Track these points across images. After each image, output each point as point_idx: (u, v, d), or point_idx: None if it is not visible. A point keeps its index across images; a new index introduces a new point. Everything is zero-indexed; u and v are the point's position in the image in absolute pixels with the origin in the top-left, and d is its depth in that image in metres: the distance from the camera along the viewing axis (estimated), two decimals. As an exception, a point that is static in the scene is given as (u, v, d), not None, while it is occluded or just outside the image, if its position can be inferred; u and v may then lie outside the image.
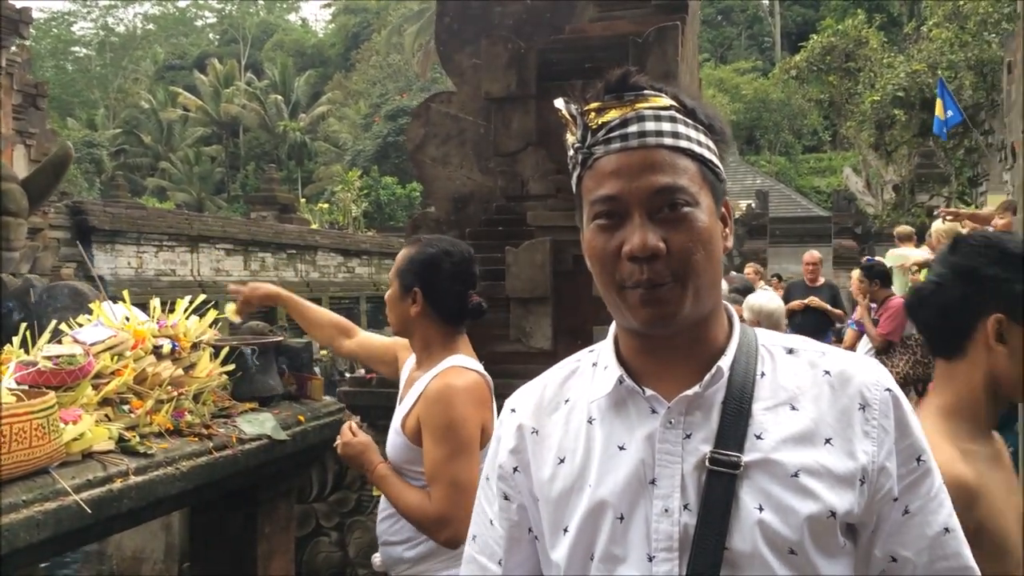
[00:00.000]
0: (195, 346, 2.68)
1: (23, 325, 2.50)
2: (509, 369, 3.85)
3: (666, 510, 1.03)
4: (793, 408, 1.06)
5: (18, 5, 11.51)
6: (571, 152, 1.12)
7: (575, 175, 1.12)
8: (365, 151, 35.45)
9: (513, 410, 1.22)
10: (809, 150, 37.51)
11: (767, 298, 5.28)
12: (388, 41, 42.16)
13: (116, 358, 2.39)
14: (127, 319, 2.68)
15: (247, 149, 42.02)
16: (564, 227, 3.59)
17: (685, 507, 1.02)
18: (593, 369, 1.17)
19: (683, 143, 1.05)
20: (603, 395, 1.12)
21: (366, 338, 2.86)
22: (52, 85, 45.73)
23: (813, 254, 8.30)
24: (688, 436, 1.05)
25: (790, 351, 1.11)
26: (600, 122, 1.06)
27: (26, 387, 2.13)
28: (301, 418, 2.94)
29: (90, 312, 2.74)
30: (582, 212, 1.12)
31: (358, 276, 19.92)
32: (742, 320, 1.18)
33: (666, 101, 1.06)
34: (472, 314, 2.39)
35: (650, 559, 1.03)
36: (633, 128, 1.04)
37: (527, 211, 3.77)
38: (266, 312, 15.88)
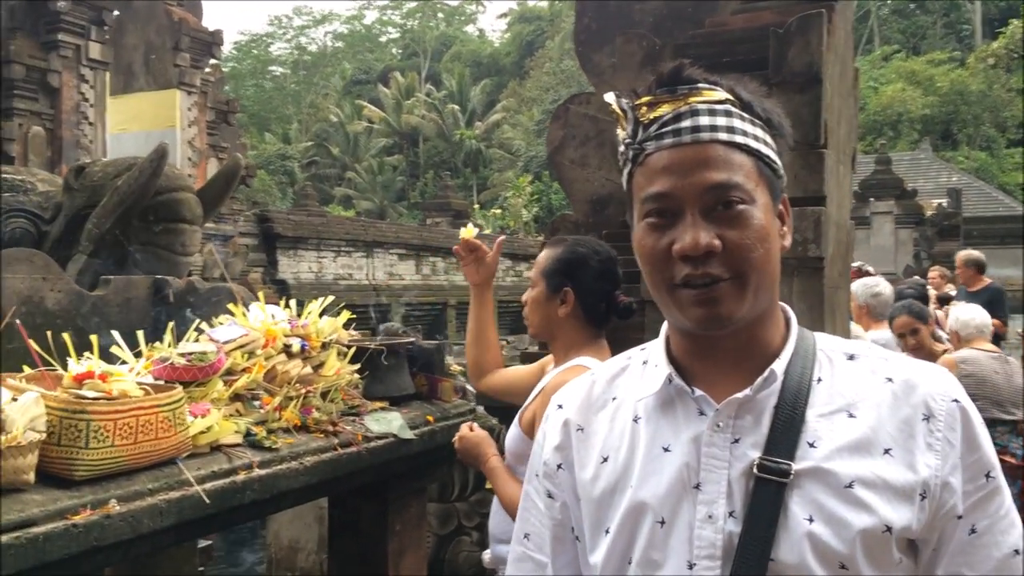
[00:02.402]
0: (325, 346, 2.77)
1: (170, 324, 2.68)
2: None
3: (710, 516, 0.99)
4: (851, 415, 1.01)
5: (211, 28, 12.46)
6: (621, 148, 1.09)
7: (626, 172, 1.10)
8: (537, 156, 35.86)
9: (560, 406, 1.19)
10: (1014, 144, 34.51)
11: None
12: (561, 47, 42.47)
13: (247, 356, 2.51)
14: (273, 317, 2.81)
15: (426, 158, 43.49)
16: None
17: (730, 514, 0.98)
18: (643, 368, 1.14)
19: (739, 138, 1.01)
20: (651, 394, 1.09)
21: (511, 372, 2.80)
22: (251, 102, 49.30)
23: (970, 253, 7.63)
24: (736, 441, 1.01)
25: (851, 357, 1.07)
26: (652, 117, 1.03)
27: (162, 381, 2.27)
28: (430, 418, 2.99)
29: (247, 311, 2.89)
30: (632, 210, 1.09)
31: (526, 280, 20.14)
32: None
33: (721, 95, 1.02)
34: (621, 314, 2.34)
35: (690, 566, 0.99)
36: (686, 123, 1.01)
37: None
38: (436, 314, 16.37)
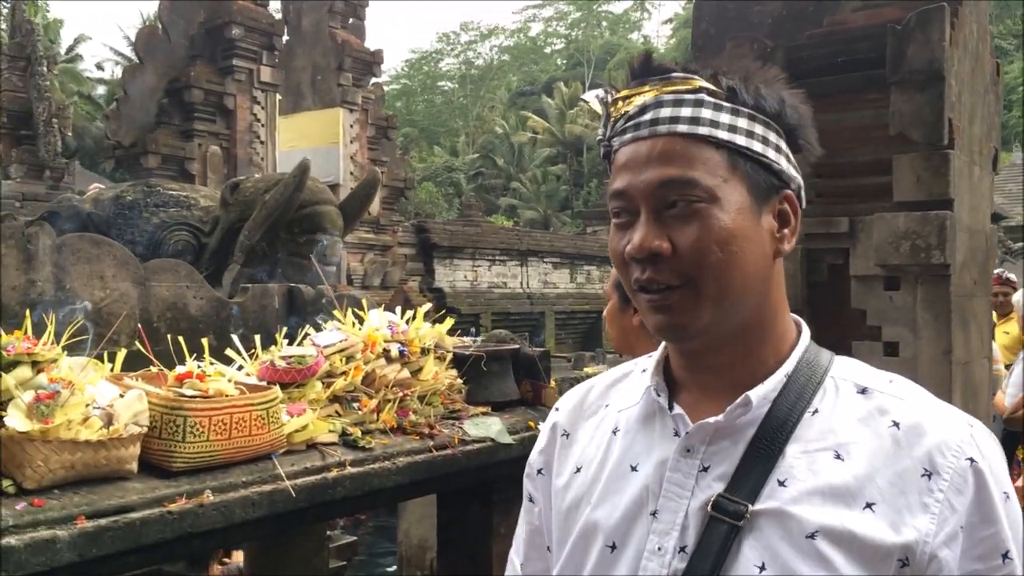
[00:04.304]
0: (424, 351, 2.87)
1: (284, 328, 2.86)
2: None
3: (659, 548, 0.91)
4: (838, 457, 0.88)
5: (374, 48, 13.06)
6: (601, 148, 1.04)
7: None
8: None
9: (557, 408, 1.14)
10: None
11: None
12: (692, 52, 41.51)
13: (346, 360, 2.64)
14: (390, 323, 2.94)
15: (589, 167, 43.56)
16: (817, 234, 3.33)
17: (681, 549, 0.90)
18: (641, 376, 1.06)
19: (703, 129, 0.91)
20: (631, 405, 1.02)
21: None
22: (422, 117, 51.07)
23: None
24: (705, 469, 0.92)
25: (863, 390, 0.93)
26: (623, 112, 0.96)
27: (264, 382, 2.43)
28: (532, 424, 3.03)
29: (358, 317, 3.04)
30: None
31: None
32: None
33: (696, 84, 0.93)
34: None
35: None
36: (647, 116, 0.93)
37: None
38: (591, 323, 16.38)
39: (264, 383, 2.42)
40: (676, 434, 0.95)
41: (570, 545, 1.00)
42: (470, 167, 44.74)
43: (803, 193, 0.99)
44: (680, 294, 0.91)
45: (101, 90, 35.13)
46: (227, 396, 2.19)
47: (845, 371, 0.96)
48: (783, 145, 0.95)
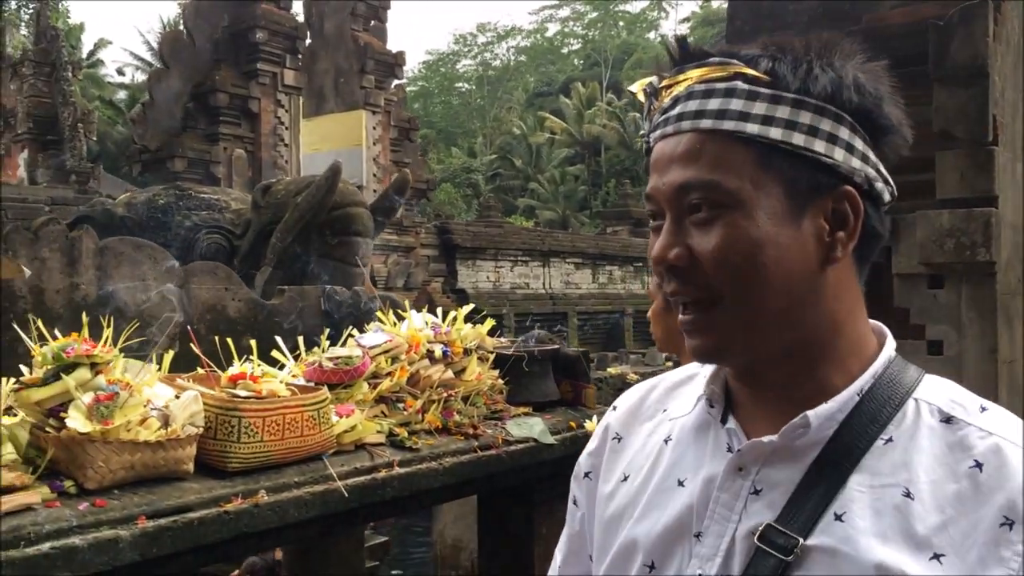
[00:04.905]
0: (467, 352, 2.87)
1: (327, 330, 2.87)
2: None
3: (700, 574, 0.83)
4: (907, 495, 0.77)
5: (395, 50, 13.12)
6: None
7: None
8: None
9: (614, 408, 1.05)
10: None
11: None
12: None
13: (391, 360, 2.65)
14: (427, 324, 2.95)
15: (608, 167, 43.53)
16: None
17: None
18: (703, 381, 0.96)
19: (727, 124, 0.81)
20: (686, 413, 0.94)
21: None
22: (439, 119, 51.19)
23: None
24: (757, 492, 0.82)
25: (947, 419, 0.81)
26: (660, 104, 0.87)
27: (312, 383, 2.44)
28: (573, 424, 3.03)
29: (400, 319, 3.06)
30: None
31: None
32: None
33: (730, 70, 0.83)
34: None
35: None
36: (676, 110, 0.84)
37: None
38: (614, 323, 16.38)
39: (312, 384, 2.43)
40: (730, 450, 0.86)
41: (609, 560, 0.93)
42: (488, 168, 44.81)
43: (881, 186, 0.85)
44: (708, 313, 0.83)
45: (122, 95, 35.45)
46: (280, 397, 2.20)
47: (932, 393, 0.84)
48: (844, 132, 0.82)
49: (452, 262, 13.15)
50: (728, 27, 3.93)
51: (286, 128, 12.01)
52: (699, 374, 0.98)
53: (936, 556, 0.74)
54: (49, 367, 1.97)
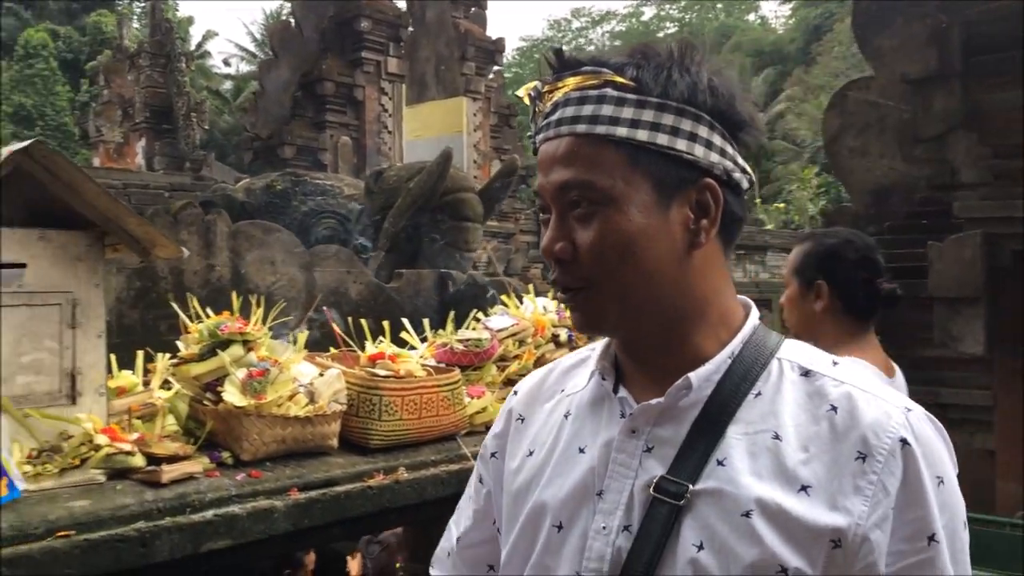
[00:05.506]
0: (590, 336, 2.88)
1: (451, 313, 2.92)
2: (935, 376, 3.53)
3: (604, 528, 0.92)
4: (776, 437, 0.88)
5: (494, 37, 13.16)
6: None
7: None
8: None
9: (515, 392, 1.14)
10: None
11: None
12: (852, 30, 40.00)
13: (518, 344, 2.68)
14: (544, 309, 2.98)
15: (704, 152, 42.79)
16: (1000, 218, 3.19)
17: (625, 528, 0.90)
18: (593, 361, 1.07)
19: (599, 128, 0.90)
20: (580, 389, 1.03)
21: None
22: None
23: None
24: (649, 450, 0.92)
25: (805, 372, 0.93)
26: (542, 108, 0.97)
27: (443, 365, 2.49)
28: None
29: (520, 302, 3.10)
30: None
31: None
32: None
33: (601, 78, 0.92)
34: (886, 302, 2.24)
35: None
36: (556, 115, 0.94)
37: (955, 202, 3.40)
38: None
39: (443, 365, 2.48)
40: (623, 416, 0.96)
41: (520, 525, 1.00)
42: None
43: (739, 175, 0.94)
44: (584, 295, 0.93)
45: (227, 85, 36.62)
46: (417, 377, 2.25)
47: (791, 353, 0.95)
48: (702, 131, 0.91)
49: (550, 248, 13.11)
50: (855, 6, 3.82)
51: (389, 115, 12.20)
52: (590, 357, 1.07)
53: (804, 488, 0.85)
54: (205, 343, 2.06)
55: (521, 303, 2.99)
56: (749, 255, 17.36)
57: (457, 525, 1.16)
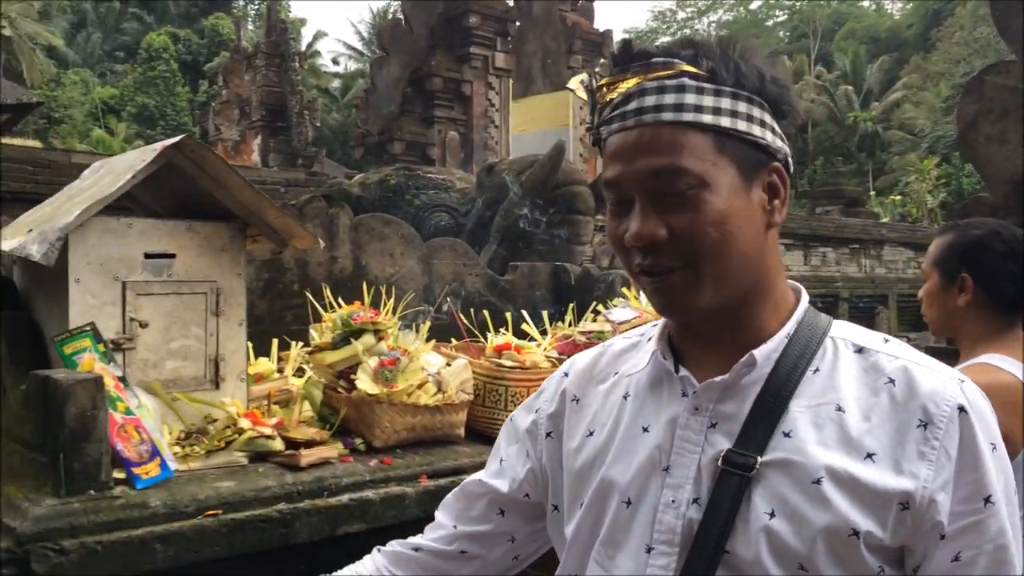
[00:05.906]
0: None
1: (570, 305, 2.92)
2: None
3: (673, 501, 0.96)
4: (839, 409, 0.94)
5: (600, 29, 13.08)
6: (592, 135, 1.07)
7: None
8: (945, 136, 32.58)
9: (566, 374, 1.18)
10: None
11: None
12: (974, 14, 38.07)
13: (640, 336, 2.66)
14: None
15: (815, 144, 41.60)
16: None
17: (695, 501, 0.95)
18: (649, 344, 1.10)
19: (687, 115, 0.94)
20: (640, 370, 1.07)
21: None
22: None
23: None
24: (714, 425, 0.97)
25: (860, 349, 0.99)
26: (608, 99, 0.99)
27: (566, 356, 2.49)
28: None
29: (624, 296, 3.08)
30: None
31: (929, 272, 18.42)
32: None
33: (676, 68, 0.96)
34: None
35: (648, 550, 0.97)
36: (632, 105, 0.95)
37: (1106, 191, 3.19)
38: (827, 307, 15.56)
39: (566, 357, 2.48)
40: (684, 395, 1.00)
41: (586, 503, 1.04)
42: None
43: (790, 160, 1.01)
44: (680, 275, 0.95)
45: (336, 83, 37.58)
46: (542, 368, 2.26)
47: (844, 332, 1.01)
48: (767, 118, 0.97)
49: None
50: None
51: (496, 110, 12.28)
52: (640, 341, 1.13)
53: (869, 455, 0.91)
54: (338, 332, 2.12)
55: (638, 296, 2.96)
56: (864, 249, 16.77)
57: (493, 465, 1.22)
